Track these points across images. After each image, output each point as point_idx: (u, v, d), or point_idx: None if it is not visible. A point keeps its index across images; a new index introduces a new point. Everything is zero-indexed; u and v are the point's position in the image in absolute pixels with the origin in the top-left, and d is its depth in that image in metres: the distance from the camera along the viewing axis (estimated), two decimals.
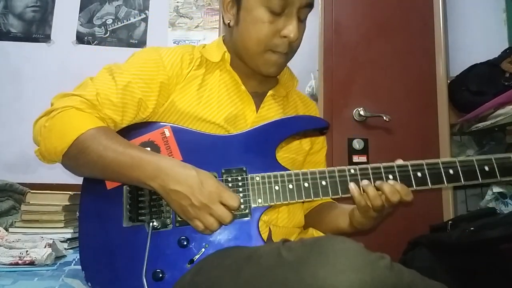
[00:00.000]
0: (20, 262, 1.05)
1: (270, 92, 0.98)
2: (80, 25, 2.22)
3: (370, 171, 0.81)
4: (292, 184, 0.81)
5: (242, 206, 0.79)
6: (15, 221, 1.39)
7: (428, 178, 0.81)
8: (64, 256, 1.19)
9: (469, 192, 1.92)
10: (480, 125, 1.69)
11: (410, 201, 0.79)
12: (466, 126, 1.83)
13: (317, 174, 0.81)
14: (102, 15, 2.24)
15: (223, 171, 0.82)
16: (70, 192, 1.38)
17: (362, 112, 1.78)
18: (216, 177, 0.80)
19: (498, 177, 0.81)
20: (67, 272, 1.02)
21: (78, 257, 0.93)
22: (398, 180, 0.80)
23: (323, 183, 0.81)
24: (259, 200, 0.80)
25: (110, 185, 0.81)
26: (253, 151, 0.84)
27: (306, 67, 2.01)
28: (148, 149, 0.81)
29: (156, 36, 2.23)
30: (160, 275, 0.74)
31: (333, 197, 0.81)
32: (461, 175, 0.81)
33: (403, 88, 1.84)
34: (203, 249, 0.77)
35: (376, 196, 0.78)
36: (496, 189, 1.60)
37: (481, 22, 2.08)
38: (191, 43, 2.21)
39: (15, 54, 2.16)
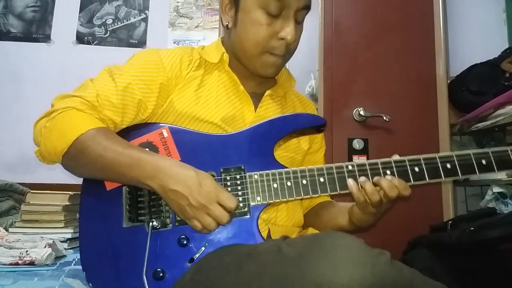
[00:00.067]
0: (20, 262, 1.05)
1: (268, 92, 0.98)
2: (80, 25, 2.22)
3: (367, 167, 0.81)
4: (291, 182, 0.81)
5: (241, 205, 0.80)
6: (15, 221, 1.39)
7: (425, 173, 0.81)
8: (64, 256, 1.19)
9: (469, 192, 1.92)
10: (480, 125, 1.69)
11: (408, 196, 0.79)
12: (466, 126, 1.84)
13: (315, 171, 0.82)
14: (102, 15, 2.24)
15: (221, 170, 0.82)
16: (70, 192, 1.38)
17: (362, 112, 1.78)
18: (214, 177, 0.80)
19: (496, 170, 0.82)
20: (67, 272, 1.02)
21: (78, 257, 0.93)
22: (396, 176, 0.80)
23: (321, 180, 0.81)
24: (258, 198, 0.81)
25: (109, 186, 0.81)
26: (251, 150, 0.84)
27: (306, 67, 2.02)
28: (147, 150, 0.81)
29: (156, 36, 2.23)
30: (161, 275, 0.75)
31: (331, 193, 0.82)
32: (458, 169, 0.81)
33: (403, 88, 1.84)
34: (203, 248, 0.77)
35: (374, 191, 0.78)
36: (496, 189, 1.60)
37: (481, 22, 2.08)
38: (191, 43, 2.21)
39: (15, 54, 2.16)
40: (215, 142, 0.85)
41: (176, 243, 0.77)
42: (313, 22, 1.87)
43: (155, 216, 0.79)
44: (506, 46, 1.93)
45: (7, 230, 1.34)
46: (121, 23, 2.23)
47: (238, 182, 0.81)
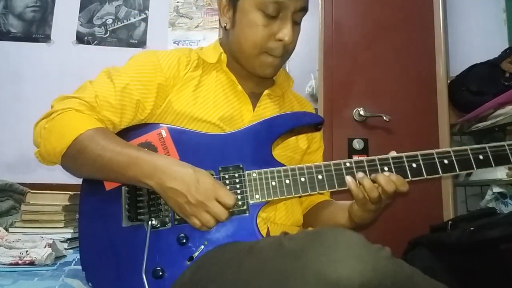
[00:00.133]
0: (20, 262, 1.05)
1: (266, 92, 0.99)
2: (80, 25, 2.22)
3: (365, 163, 0.81)
4: (289, 179, 0.81)
5: (240, 203, 0.80)
6: (15, 221, 1.39)
7: (423, 169, 0.81)
8: (64, 256, 1.19)
9: (469, 192, 1.92)
10: (480, 125, 1.69)
11: (406, 191, 0.80)
12: (466, 126, 1.84)
13: (313, 169, 0.82)
14: (102, 15, 2.24)
15: (220, 169, 0.82)
16: (70, 192, 1.37)
17: (362, 112, 1.78)
18: (213, 175, 0.80)
19: (493, 165, 0.82)
20: (67, 272, 1.02)
21: (78, 257, 0.93)
22: (394, 172, 0.80)
23: (319, 177, 0.81)
24: (257, 196, 0.81)
25: (108, 186, 0.82)
26: (249, 148, 0.85)
27: (306, 67, 2.01)
28: (145, 149, 0.81)
29: (156, 36, 2.23)
30: (160, 273, 0.75)
31: (329, 190, 0.82)
32: (455, 164, 0.81)
33: (403, 88, 1.84)
34: (202, 246, 0.77)
35: (373, 188, 0.79)
36: (496, 189, 1.60)
37: (481, 22, 2.08)
38: (191, 43, 2.21)
39: (15, 54, 2.16)
40: (214, 141, 0.85)
41: (175, 242, 0.77)
42: (313, 22, 1.87)
43: (154, 215, 0.79)
44: (506, 46, 1.93)
45: (7, 230, 1.34)
46: (121, 23, 2.23)
47: (237, 180, 0.82)
